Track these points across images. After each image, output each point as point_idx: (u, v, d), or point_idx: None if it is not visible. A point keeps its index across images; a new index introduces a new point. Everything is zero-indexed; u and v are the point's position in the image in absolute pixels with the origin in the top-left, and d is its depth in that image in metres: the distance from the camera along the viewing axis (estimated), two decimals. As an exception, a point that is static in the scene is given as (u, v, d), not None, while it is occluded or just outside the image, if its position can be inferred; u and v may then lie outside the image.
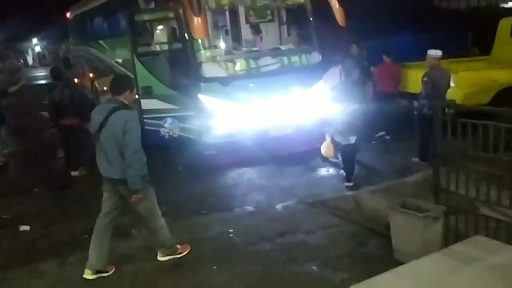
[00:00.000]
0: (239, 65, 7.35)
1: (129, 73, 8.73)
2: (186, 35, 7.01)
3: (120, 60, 10.24)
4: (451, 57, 8.89)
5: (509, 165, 4.15)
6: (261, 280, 4.10)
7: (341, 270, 4.14)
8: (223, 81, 7.14)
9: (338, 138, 6.59)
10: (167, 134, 7.36)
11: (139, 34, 8.13)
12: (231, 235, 4.98)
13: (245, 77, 7.35)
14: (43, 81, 23.64)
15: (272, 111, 7.29)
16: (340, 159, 6.76)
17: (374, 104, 8.03)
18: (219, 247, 4.73)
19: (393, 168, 7.06)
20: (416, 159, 7.16)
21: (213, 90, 7.06)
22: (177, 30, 7.53)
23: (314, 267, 4.24)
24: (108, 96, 10.08)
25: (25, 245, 5.13)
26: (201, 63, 7.12)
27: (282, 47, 8.18)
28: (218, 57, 7.30)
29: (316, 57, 8.04)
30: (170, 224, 4.59)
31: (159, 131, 7.36)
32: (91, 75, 12.96)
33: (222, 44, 7.90)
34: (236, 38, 8.50)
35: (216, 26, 8.54)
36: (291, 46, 8.25)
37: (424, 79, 6.76)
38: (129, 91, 4.19)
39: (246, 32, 8.45)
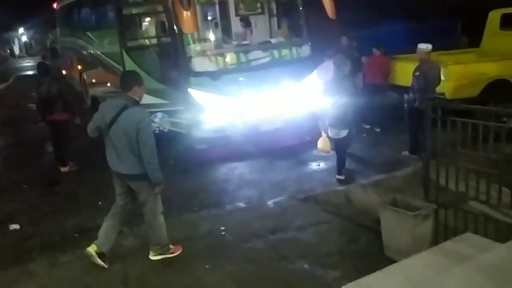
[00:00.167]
0: (229, 59, 7.31)
1: (117, 66, 8.67)
2: (175, 28, 6.94)
3: (108, 53, 10.11)
4: (441, 48, 8.89)
5: (497, 162, 4.20)
6: (253, 279, 4.11)
7: (332, 268, 4.16)
8: (213, 75, 7.11)
9: (330, 132, 6.61)
10: (157, 129, 7.29)
11: (128, 28, 8.04)
12: (222, 233, 4.98)
13: (235, 71, 7.32)
14: (30, 72, 23.27)
15: (263, 104, 7.28)
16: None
17: (363, 97, 8.03)
18: (211, 245, 4.73)
19: (383, 161, 7.11)
20: (406, 153, 7.20)
21: (203, 84, 7.02)
22: (166, 24, 7.45)
23: (305, 265, 4.25)
24: (101, 89, 10.10)
25: (14, 244, 5.06)
26: (190, 57, 7.06)
27: (272, 40, 8.15)
28: (208, 51, 7.25)
29: (306, 50, 8.01)
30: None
31: (149, 126, 7.30)
32: (79, 67, 12.79)
33: (212, 38, 7.84)
34: (226, 31, 8.45)
35: (205, 19, 8.49)
36: (282, 39, 8.21)
37: (416, 73, 6.76)
38: (136, 85, 4.19)
39: (236, 25, 8.40)
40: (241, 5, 8.47)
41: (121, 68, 8.21)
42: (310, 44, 8.05)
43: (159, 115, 7.27)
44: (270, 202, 5.79)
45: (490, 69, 7.76)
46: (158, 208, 4.38)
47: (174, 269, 4.32)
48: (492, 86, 7.59)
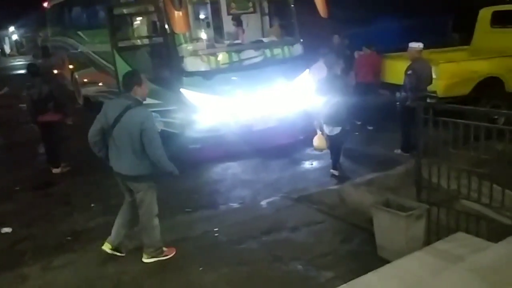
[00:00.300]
0: (221, 58, 7.29)
1: (109, 66, 8.63)
2: (167, 28, 6.91)
3: (100, 52, 10.05)
4: (432, 46, 8.93)
5: (488, 161, 4.23)
6: (247, 281, 4.11)
7: (326, 269, 4.17)
8: (206, 75, 7.08)
9: (325, 130, 6.67)
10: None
11: (119, 28, 7.99)
12: (216, 234, 4.97)
13: (227, 70, 7.30)
14: (21, 71, 23.04)
15: (256, 104, 7.27)
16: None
17: (355, 95, 8.06)
18: (205, 247, 4.72)
19: (376, 160, 7.14)
20: (398, 151, 7.24)
21: (196, 84, 6.99)
22: (158, 23, 7.41)
23: (299, 266, 4.25)
24: (93, 88, 10.02)
25: (6, 248, 5.02)
26: (182, 57, 7.03)
27: (265, 39, 8.13)
28: (200, 51, 7.21)
29: (298, 48, 8.00)
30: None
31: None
32: (70, 66, 12.70)
33: (203, 37, 7.81)
34: (218, 30, 8.41)
35: (197, 19, 8.44)
36: (274, 38, 8.19)
37: (409, 72, 6.79)
38: (136, 85, 4.21)
39: (227, 24, 8.37)
40: (233, 4, 8.44)
41: (113, 68, 8.18)
42: (302, 42, 8.05)
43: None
44: (263, 202, 5.79)
45: (481, 67, 7.78)
46: (153, 210, 4.39)
47: (167, 272, 4.31)
48: (483, 84, 7.61)
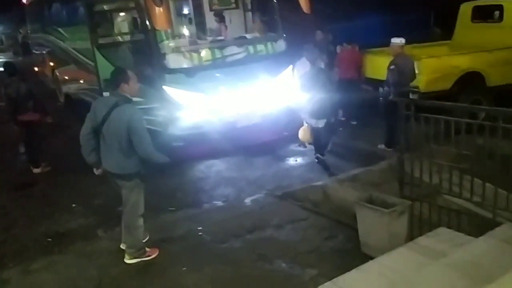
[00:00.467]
0: (204, 55, 7.20)
1: (90, 63, 8.49)
2: (148, 25, 6.80)
3: (80, 49, 9.88)
4: (415, 41, 8.97)
5: (469, 157, 4.27)
6: (231, 281, 4.08)
7: (310, 266, 4.16)
8: (188, 72, 6.99)
9: (310, 122, 6.81)
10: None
11: (99, 24, 7.86)
12: (200, 233, 4.93)
13: (210, 67, 7.21)
14: (1, 69, 22.61)
15: (239, 100, 7.22)
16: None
17: (338, 91, 8.09)
18: (188, 246, 4.68)
19: (360, 155, 7.18)
20: (382, 146, 7.28)
21: (178, 81, 6.91)
22: (139, 20, 7.30)
23: (283, 264, 4.24)
24: (74, 86, 9.83)
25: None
26: (164, 54, 6.93)
27: (248, 36, 8.07)
28: (182, 47, 7.11)
29: (282, 44, 7.96)
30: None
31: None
32: (51, 63, 12.48)
33: (185, 34, 7.73)
34: (200, 26, 8.33)
35: (179, 15, 8.34)
36: (257, 34, 8.14)
37: (391, 67, 6.82)
38: (123, 83, 4.15)
39: (210, 20, 8.30)
40: (215, 0, 8.36)
41: (93, 65, 8.05)
42: (285, 38, 8.02)
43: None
44: (247, 200, 5.76)
45: (462, 62, 7.84)
46: (138, 210, 4.35)
47: (150, 272, 4.26)
48: (465, 79, 7.68)
